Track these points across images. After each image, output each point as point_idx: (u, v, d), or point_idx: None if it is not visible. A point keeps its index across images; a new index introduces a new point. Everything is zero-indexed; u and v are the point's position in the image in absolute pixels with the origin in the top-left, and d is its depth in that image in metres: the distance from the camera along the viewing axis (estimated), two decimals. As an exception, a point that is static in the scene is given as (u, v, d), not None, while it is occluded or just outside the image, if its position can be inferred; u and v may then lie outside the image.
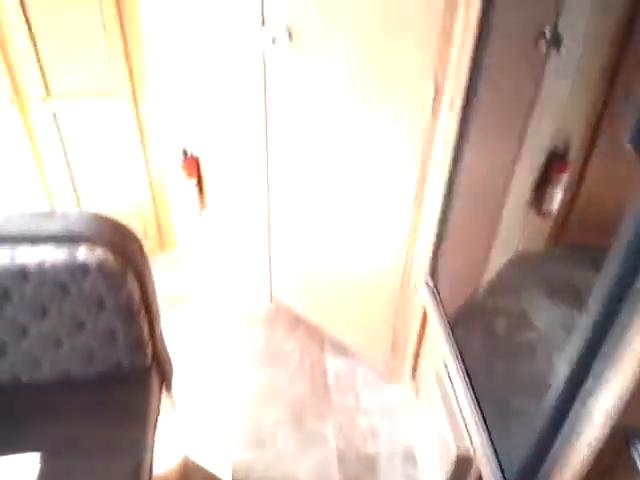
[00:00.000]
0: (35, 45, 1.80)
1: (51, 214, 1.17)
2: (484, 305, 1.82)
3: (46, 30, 1.78)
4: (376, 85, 1.41)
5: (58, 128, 2.00)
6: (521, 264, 2.02)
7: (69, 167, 2.10)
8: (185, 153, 2.02)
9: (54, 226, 1.12)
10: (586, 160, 1.73)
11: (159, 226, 2.31)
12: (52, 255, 1.09)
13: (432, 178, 1.42)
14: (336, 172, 1.66)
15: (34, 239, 1.10)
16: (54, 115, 1.96)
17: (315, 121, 1.62)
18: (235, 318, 2.20)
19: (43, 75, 1.87)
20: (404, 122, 1.41)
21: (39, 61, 1.84)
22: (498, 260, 1.82)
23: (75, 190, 2.16)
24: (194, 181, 2.05)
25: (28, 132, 2.00)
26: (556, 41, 1.49)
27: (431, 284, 1.54)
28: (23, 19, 1.74)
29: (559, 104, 1.63)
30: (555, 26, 1.43)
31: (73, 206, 2.18)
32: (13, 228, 1.11)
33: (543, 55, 1.46)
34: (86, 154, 2.09)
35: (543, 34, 1.44)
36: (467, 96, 1.27)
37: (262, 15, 1.53)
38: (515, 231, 1.86)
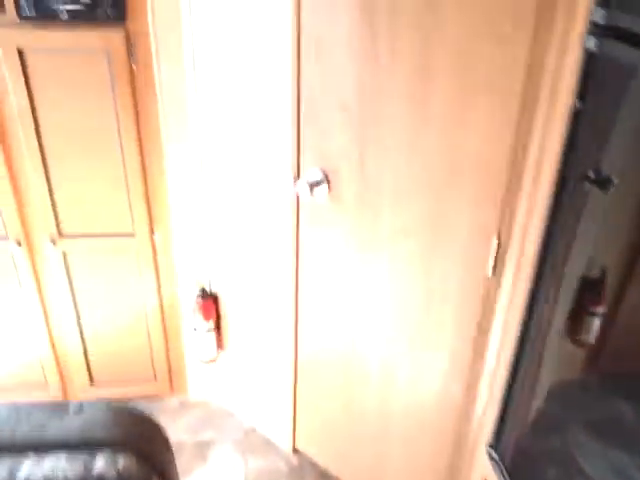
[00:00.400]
0: (49, 185, 1.71)
1: (63, 409, 0.98)
2: (534, 452, 1.63)
3: (62, 171, 1.69)
4: (427, 237, 1.29)
5: (67, 268, 1.86)
6: (560, 397, 1.85)
7: (76, 306, 1.94)
8: (204, 293, 1.88)
9: (67, 428, 0.93)
10: (622, 289, 1.67)
11: (170, 366, 2.11)
12: (63, 468, 0.89)
13: (494, 340, 1.26)
14: (376, 320, 1.51)
15: (41, 447, 0.91)
16: (64, 254, 1.83)
17: (355, 269, 1.49)
18: (253, 474, 1.94)
19: (56, 215, 1.76)
20: (459, 279, 1.28)
21: (53, 201, 1.73)
22: (539, 395, 1.65)
23: (81, 328, 1.98)
24: (212, 323, 1.89)
25: (35, 274, 1.86)
26: (602, 183, 1.44)
27: (495, 457, 1.33)
28: (40, 160, 1.66)
29: (595, 234, 1.55)
30: (599, 168, 1.36)
31: (79, 350, 2.00)
32: (16, 433, 0.93)
33: (586, 193, 1.39)
34: (95, 293, 1.93)
35: (586, 175, 1.38)
36: (539, 251, 1.15)
37: (298, 164, 1.45)
38: (552, 361, 1.71)
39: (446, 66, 1.09)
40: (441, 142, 1.17)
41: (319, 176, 1.42)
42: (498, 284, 1.22)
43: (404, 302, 1.42)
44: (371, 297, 1.49)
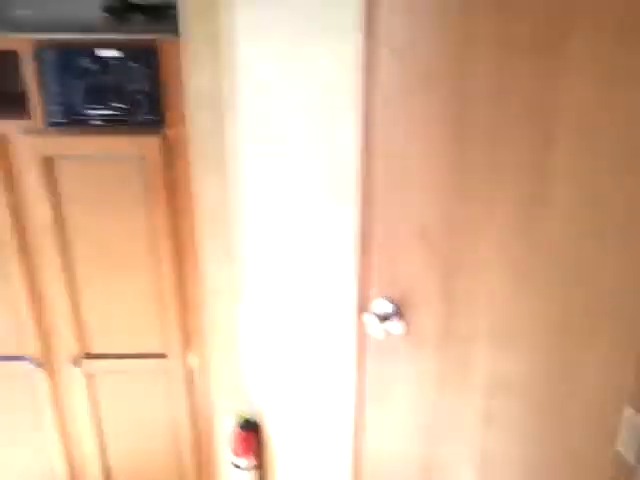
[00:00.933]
0: (75, 300, 1.51)
1: None
2: None
3: (90, 285, 1.50)
4: (537, 394, 1.01)
5: (91, 390, 1.63)
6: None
7: (99, 430, 1.70)
8: (245, 423, 1.61)
9: None
10: None
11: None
12: None
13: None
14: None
15: None
16: (87, 376, 1.61)
17: (435, 419, 1.21)
18: None
19: (80, 333, 1.55)
20: (578, 454, 0.98)
21: (78, 318, 1.53)
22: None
23: (104, 456, 1.73)
24: (253, 460, 1.61)
25: (54, 396, 1.63)
26: None
27: None
28: (65, 272, 1.47)
29: None
30: None
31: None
32: None
33: None
34: (120, 417, 1.69)
35: None
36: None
37: (364, 293, 1.21)
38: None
39: (568, 196, 0.85)
40: (561, 279, 0.91)
41: (390, 308, 1.17)
42: (634, 467, 0.92)
43: (500, 470, 1.12)
44: (455, 453, 1.20)
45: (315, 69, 1.22)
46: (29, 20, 1.46)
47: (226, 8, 1.21)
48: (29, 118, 1.31)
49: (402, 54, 1.04)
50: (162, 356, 1.59)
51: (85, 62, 1.26)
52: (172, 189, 1.37)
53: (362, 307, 1.23)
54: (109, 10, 1.41)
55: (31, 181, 1.37)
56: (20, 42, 1.24)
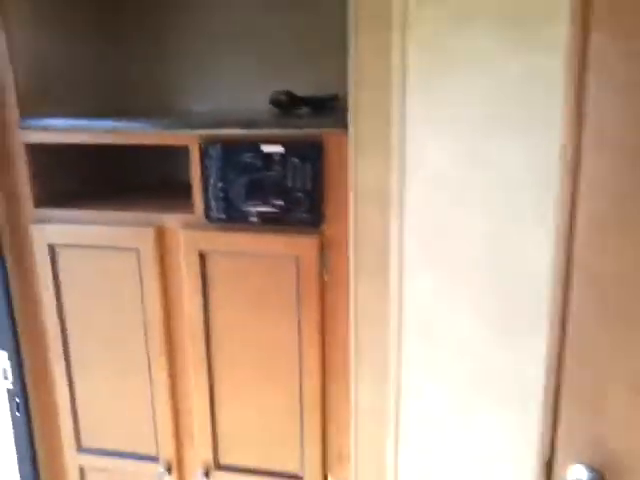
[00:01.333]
0: (213, 405, 1.41)
1: None
2: None
3: (229, 390, 1.39)
4: None
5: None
6: None
7: None
8: None
9: None
10: None
11: None
12: None
13: None
14: None
15: None
16: (217, 488, 1.47)
17: None
18: None
19: (215, 442, 1.43)
20: None
21: (213, 425, 1.42)
22: None
23: None
24: None
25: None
26: None
27: None
28: (206, 376, 1.38)
29: None
30: None
31: None
32: None
33: None
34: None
35: None
36: None
37: (551, 455, 0.94)
38: None
39: None
40: None
41: (589, 478, 0.88)
42: None
43: None
44: None
45: (498, 166, 1.05)
46: (202, 115, 1.49)
47: (398, 99, 1.11)
48: (192, 212, 1.29)
49: (617, 148, 0.84)
50: (297, 477, 1.40)
51: (248, 158, 1.21)
52: (326, 293, 1.24)
53: (548, 473, 0.95)
54: (276, 103, 1.40)
55: (183, 274, 1.33)
56: (190, 137, 1.24)
